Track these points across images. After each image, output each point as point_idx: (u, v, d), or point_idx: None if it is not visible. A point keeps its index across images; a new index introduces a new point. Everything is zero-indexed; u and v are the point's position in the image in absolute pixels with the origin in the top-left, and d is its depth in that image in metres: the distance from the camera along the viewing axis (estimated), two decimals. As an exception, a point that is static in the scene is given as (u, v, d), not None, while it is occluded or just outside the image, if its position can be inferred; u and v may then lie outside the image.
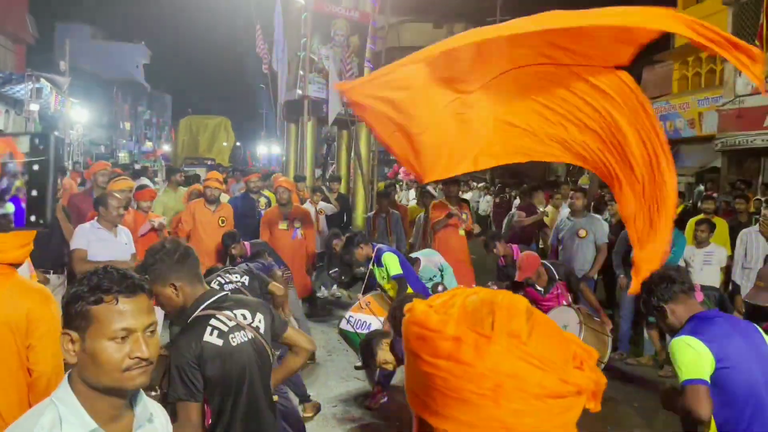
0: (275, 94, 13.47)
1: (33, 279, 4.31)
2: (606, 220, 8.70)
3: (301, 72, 12.45)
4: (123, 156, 36.43)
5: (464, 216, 7.29)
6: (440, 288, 5.81)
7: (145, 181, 9.18)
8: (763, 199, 7.17)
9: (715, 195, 13.01)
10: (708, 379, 2.53)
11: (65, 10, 49.07)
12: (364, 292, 5.70)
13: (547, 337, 0.95)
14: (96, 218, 4.79)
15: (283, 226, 7.04)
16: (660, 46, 19.99)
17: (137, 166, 17.45)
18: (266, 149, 41.67)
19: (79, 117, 21.69)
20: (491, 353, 0.90)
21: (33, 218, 0.77)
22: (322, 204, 8.69)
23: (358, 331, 5.00)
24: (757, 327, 2.78)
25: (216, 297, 2.48)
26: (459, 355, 0.91)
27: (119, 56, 49.71)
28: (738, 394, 2.53)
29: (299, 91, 12.56)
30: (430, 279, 6.17)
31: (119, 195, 5.64)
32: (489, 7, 28.88)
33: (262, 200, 7.88)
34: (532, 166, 39.95)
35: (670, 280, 2.75)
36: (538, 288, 5.53)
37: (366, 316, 5.08)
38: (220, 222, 6.56)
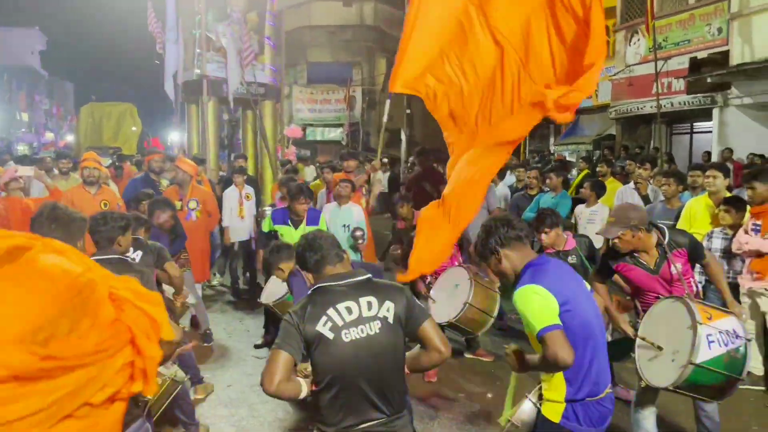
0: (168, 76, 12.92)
1: None
2: (511, 186, 9.01)
3: (198, 50, 12.03)
4: (22, 149, 34.17)
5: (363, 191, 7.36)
6: (358, 233, 6.01)
7: (11, 164, 8.67)
8: (636, 163, 7.57)
9: (611, 159, 13.74)
10: (558, 321, 2.51)
11: (-55, -6, 45.14)
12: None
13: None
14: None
15: (177, 206, 6.83)
16: (558, 19, 20.66)
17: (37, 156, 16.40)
18: (179, 135, 40.17)
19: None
20: None
21: None
22: (249, 188, 8.37)
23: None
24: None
25: None
26: None
27: (11, 42, 46.34)
28: (578, 334, 2.57)
29: (197, 71, 12.14)
30: (343, 226, 6.27)
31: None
32: (397, -15, 28.90)
33: (164, 181, 7.54)
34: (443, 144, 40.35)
35: (509, 225, 2.73)
36: None
37: None
38: (102, 205, 6.23)
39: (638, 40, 15.29)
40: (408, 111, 30.44)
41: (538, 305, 2.51)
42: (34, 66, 47.55)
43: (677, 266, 3.59)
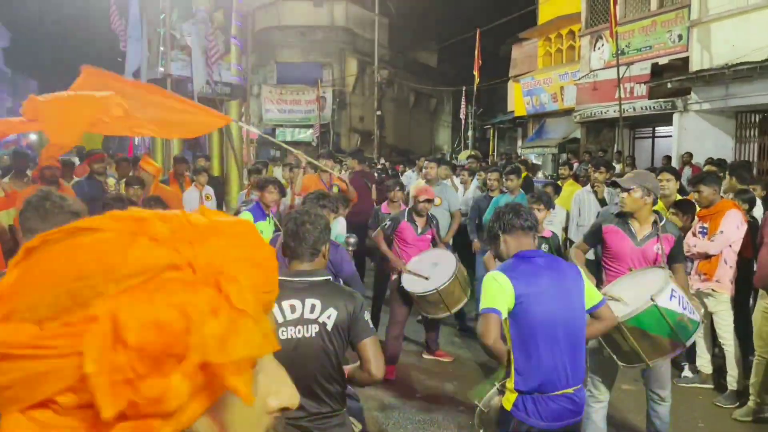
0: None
1: None
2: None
3: (162, 49, 11.92)
4: (-18, 147, 33.27)
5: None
6: (352, 240, 5.84)
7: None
8: (590, 165, 7.73)
9: (574, 163, 13.96)
10: (503, 311, 2.74)
11: None
12: None
13: None
14: None
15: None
16: (526, 23, 20.96)
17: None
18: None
19: None
20: None
21: None
22: (209, 188, 8.29)
23: None
24: (580, 271, 2.94)
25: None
26: None
27: (-28, 38, 45.19)
28: (530, 329, 2.75)
29: (161, 69, 12.02)
30: None
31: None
32: (368, -14, 28.97)
33: (110, 181, 7.45)
34: (420, 144, 40.46)
35: (516, 214, 2.89)
36: (417, 225, 5.70)
37: None
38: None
39: (602, 45, 15.59)
40: (378, 113, 30.54)
41: (490, 289, 2.77)
42: (-3, 62, 46.36)
43: (663, 248, 3.72)
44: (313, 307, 2.44)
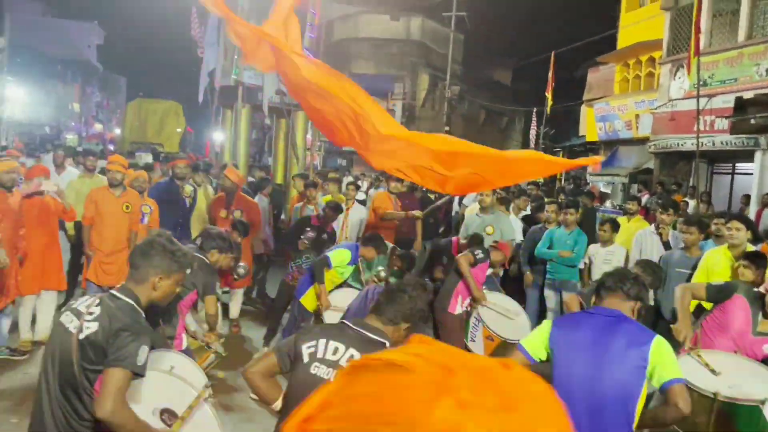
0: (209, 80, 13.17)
1: None
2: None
3: (237, 57, 12.22)
4: (71, 138, 35.28)
5: None
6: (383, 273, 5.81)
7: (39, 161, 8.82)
8: (657, 204, 7.33)
9: (642, 196, 13.37)
10: (533, 352, 2.74)
11: (14, -16, 47.09)
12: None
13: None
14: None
15: (223, 214, 7.08)
16: (604, 48, 20.37)
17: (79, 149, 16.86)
18: (222, 136, 40.94)
19: (14, 95, 20.87)
20: None
21: None
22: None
23: None
24: (651, 340, 2.57)
25: None
26: None
27: (71, 35, 48.09)
28: (555, 376, 2.63)
29: (234, 77, 12.33)
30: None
31: (5, 176, 5.41)
32: (446, 2, 28.98)
33: (188, 188, 7.65)
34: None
35: (609, 275, 2.82)
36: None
37: None
38: (124, 208, 6.36)
39: (683, 74, 14.92)
40: (447, 128, 30.39)
41: (534, 331, 2.85)
42: (90, 59, 49.19)
43: None
44: (351, 357, 2.40)
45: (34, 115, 30.32)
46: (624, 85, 19.22)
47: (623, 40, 19.01)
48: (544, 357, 2.72)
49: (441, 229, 11.00)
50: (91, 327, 2.30)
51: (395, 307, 2.50)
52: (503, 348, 5.21)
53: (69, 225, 7.15)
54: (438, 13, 30.45)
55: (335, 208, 6.66)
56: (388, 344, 2.42)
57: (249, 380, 2.49)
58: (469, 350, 5.41)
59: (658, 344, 2.54)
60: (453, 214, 11.53)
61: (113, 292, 2.44)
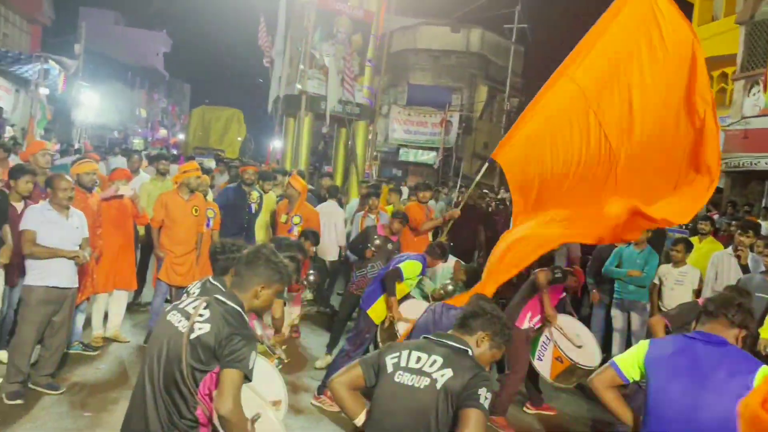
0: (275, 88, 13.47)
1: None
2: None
3: (302, 67, 12.45)
4: (137, 142, 36.67)
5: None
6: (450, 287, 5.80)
7: (116, 162, 9.12)
8: (736, 225, 6.98)
9: (714, 216, 12.83)
10: (628, 372, 2.64)
11: (90, -5, 49.51)
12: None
13: None
14: (48, 200, 4.76)
15: (282, 219, 7.21)
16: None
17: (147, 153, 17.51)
18: (281, 144, 41.75)
19: (88, 101, 21.85)
20: None
21: None
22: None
23: None
24: (758, 369, 2.42)
25: None
26: None
27: (140, 43, 50.19)
28: (649, 400, 2.53)
29: (298, 86, 12.56)
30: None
31: (86, 177, 5.64)
32: (507, 14, 28.77)
33: (254, 194, 7.82)
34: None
35: (713, 299, 2.71)
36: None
37: None
38: (193, 211, 6.53)
39: (758, 91, 14.30)
40: (504, 141, 30.04)
41: (629, 351, 2.74)
42: (157, 66, 51.11)
43: None
44: (434, 362, 2.43)
45: (104, 119, 31.65)
46: (693, 101, 18.54)
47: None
48: (637, 377, 2.63)
49: None
50: (204, 328, 2.36)
51: (470, 319, 2.58)
52: (571, 371, 5.06)
53: (140, 227, 7.39)
54: (498, 25, 30.27)
55: (403, 219, 6.65)
56: (470, 352, 2.49)
57: (334, 390, 2.51)
58: (534, 369, 5.28)
59: (765, 373, 2.38)
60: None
61: (219, 297, 2.49)
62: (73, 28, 38.25)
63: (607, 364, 2.74)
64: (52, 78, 16.55)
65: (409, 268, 5.35)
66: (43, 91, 16.23)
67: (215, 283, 2.87)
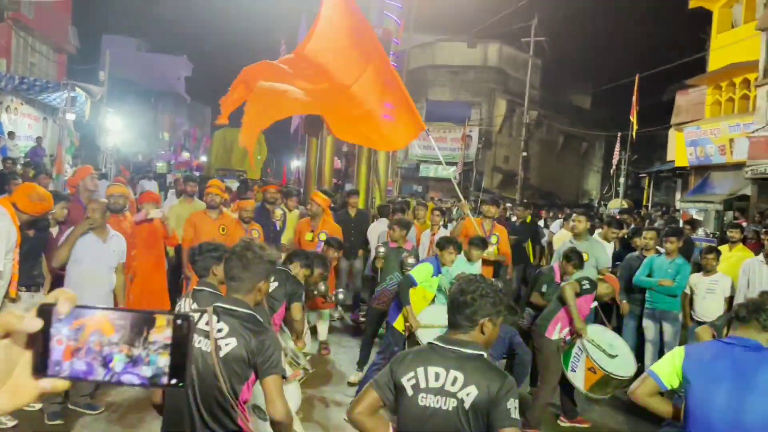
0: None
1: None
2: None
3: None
4: (161, 165, 37.22)
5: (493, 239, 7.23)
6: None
7: (149, 186, 9.27)
8: (765, 231, 6.88)
9: (743, 224, 12.65)
10: (665, 379, 2.65)
11: (112, 23, 50.81)
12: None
13: None
14: (89, 221, 4.89)
15: (308, 237, 7.33)
16: (694, 70, 19.63)
17: (170, 177, 17.77)
18: (300, 163, 42.08)
19: (114, 126, 22.30)
20: None
21: (173, 381, 0.76)
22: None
23: None
24: None
25: None
26: None
27: (162, 68, 51.08)
28: (691, 406, 2.54)
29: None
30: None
31: (115, 199, 5.78)
32: (523, 28, 28.87)
33: (278, 212, 7.92)
34: (566, 188, 39.01)
35: (745, 305, 2.72)
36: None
37: None
38: (221, 230, 6.63)
39: (783, 96, 14.14)
40: (524, 154, 30.00)
41: (665, 359, 2.76)
42: (179, 91, 51.98)
43: None
44: (455, 380, 2.30)
45: (128, 143, 32.23)
46: (716, 109, 18.40)
47: (714, 62, 18.25)
48: (676, 385, 2.64)
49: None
50: (230, 343, 2.39)
51: (465, 311, 2.36)
52: (606, 381, 5.01)
53: (169, 248, 7.53)
54: (516, 39, 30.37)
55: (400, 225, 6.78)
56: (485, 354, 2.34)
57: (356, 422, 2.42)
58: (568, 380, 5.25)
59: None
60: (543, 240, 11.34)
61: (224, 305, 2.48)
62: (97, 56, 39.23)
63: (644, 374, 2.75)
64: (78, 105, 16.95)
65: (420, 272, 5.36)
66: (70, 117, 16.64)
67: (204, 288, 2.86)
